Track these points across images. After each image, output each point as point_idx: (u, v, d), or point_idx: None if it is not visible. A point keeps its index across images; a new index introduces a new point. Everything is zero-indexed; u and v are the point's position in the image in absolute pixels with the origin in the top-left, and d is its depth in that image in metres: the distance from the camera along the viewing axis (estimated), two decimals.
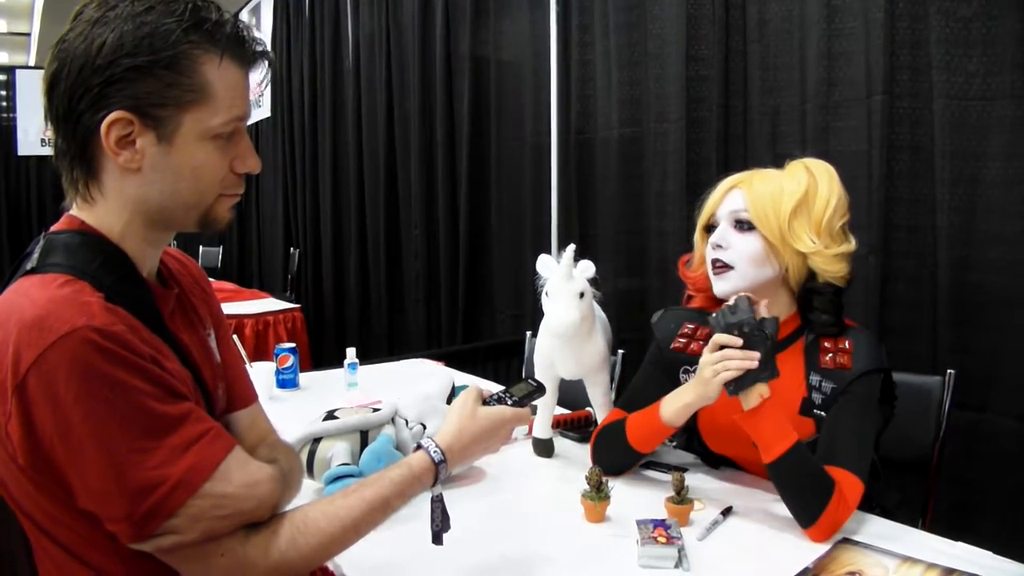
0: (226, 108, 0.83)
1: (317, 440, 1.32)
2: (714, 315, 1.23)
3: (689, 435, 1.51)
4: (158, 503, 0.75)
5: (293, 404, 1.99)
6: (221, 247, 6.71)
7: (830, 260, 1.27)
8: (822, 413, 1.26)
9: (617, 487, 1.28)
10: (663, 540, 1.09)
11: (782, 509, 1.20)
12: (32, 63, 10.15)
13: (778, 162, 1.36)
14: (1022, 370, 1.65)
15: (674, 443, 1.55)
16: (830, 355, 1.28)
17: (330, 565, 1.07)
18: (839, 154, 1.90)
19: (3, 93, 7.56)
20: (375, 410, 1.41)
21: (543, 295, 1.38)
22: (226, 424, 0.97)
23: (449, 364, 2.42)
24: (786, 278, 1.31)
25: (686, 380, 1.40)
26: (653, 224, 2.50)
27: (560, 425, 1.67)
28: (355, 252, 4.49)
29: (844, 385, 1.25)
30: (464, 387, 1.73)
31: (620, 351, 2.03)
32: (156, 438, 0.76)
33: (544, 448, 1.56)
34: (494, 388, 1.12)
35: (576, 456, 1.55)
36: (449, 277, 3.64)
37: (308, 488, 1.16)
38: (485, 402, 1.05)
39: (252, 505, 0.82)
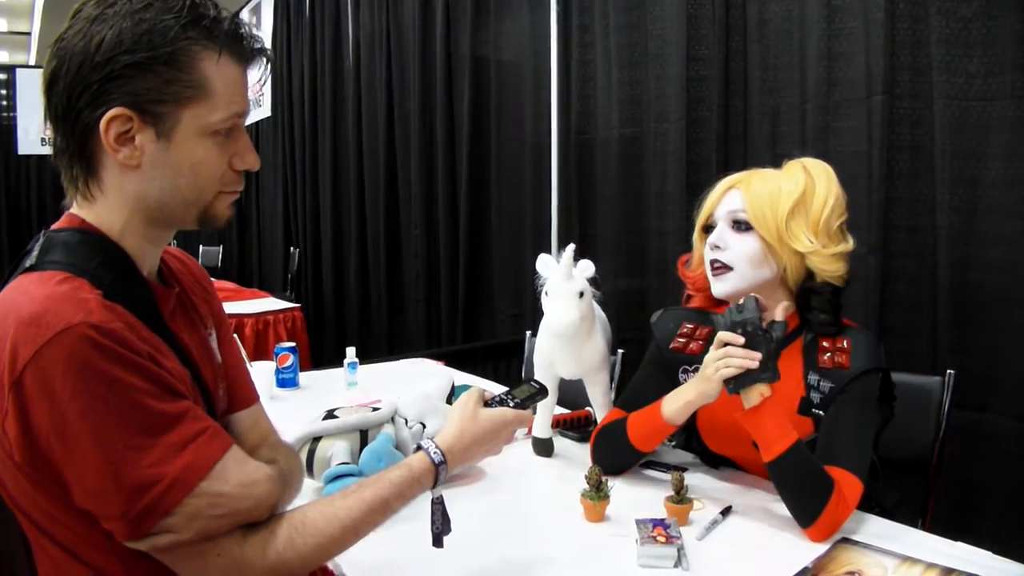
0: (225, 104, 0.83)
1: (317, 439, 1.32)
2: (724, 312, 1.24)
3: (688, 435, 1.51)
4: (154, 501, 0.75)
5: (293, 403, 1.99)
6: (221, 246, 6.71)
7: (828, 259, 1.27)
8: (820, 412, 1.26)
9: (616, 486, 1.28)
10: (662, 539, 1.09)
11: (781, 509, 1.20)
12: (32, 62, 10.15)
13: (778, 162, 1.36)
14: (1022, 370, 1.65)
15: (673, 443, 1.55)
16: (828, 354, 1.28)
17: (330, 565, 1.06)
18: (839, 154, 1.90)
19: (3, 92, 7.57)
20: (375, 409, 1.41)
21: (543, 295, 1.37)
22: (227, 425, 0.96)
23: (449, 364, 2.42)
24: (784, 278, 1.31)
25: (685, 380, 1.40)
26: (653, 224, 2.50)
27: (560, 425, 1.67)
28: (355, 252, 4.49)
29: (842, 384, 1.25)
30: (464, 387, 1.74)
31: (620, 351, 2.03)
32: (153, 436, 0.75)
33: (544, 448, 1.56)
34: (495, 388, 1.12)
35: (576, 456, 1.55)
36: (449, 277, 3.64)
37: (308, 487, 1.16)
38: (487, 404, 1.04)
39: (249, 504, 0.82)
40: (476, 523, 1.19)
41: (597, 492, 1.23)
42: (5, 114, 7.61)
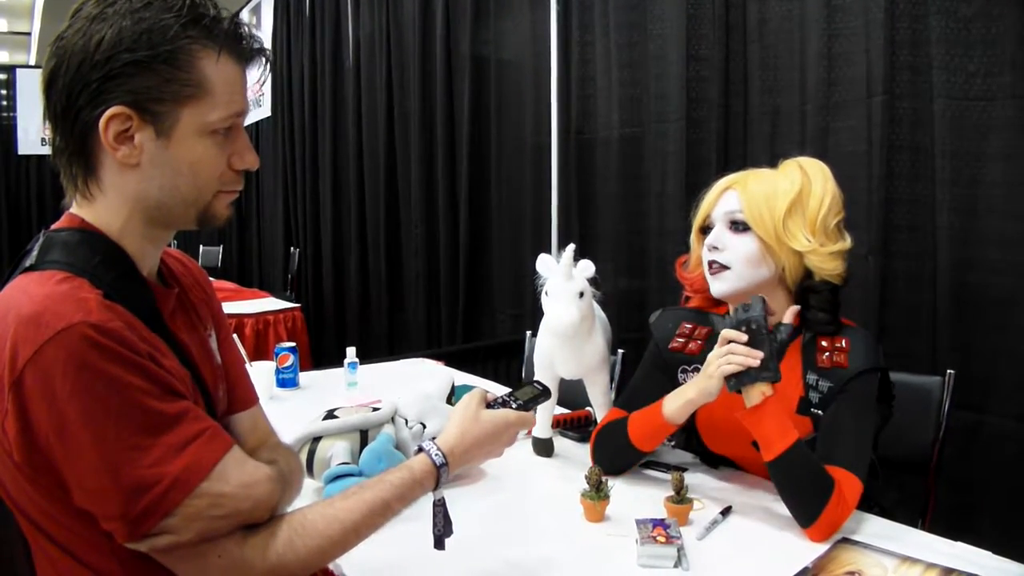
0: (224, 103, 0.83)
1: (317, 439, 1.32)
2: (730, 311, 1.24)
3: (688, 434, 1.51)
4: (154, 502, 0.74)
5: (293, 403, 1.99)
6: (221, 246, 6.71)
7: (826, 258, 1.27)
8: (819, 412, 1.26)
9: (616, 486, 1.28)
10: (662, 539, 1.08)
11: (781, 509, 1.20)
12: (32, 62, 10.16)
13: (777, 162, 1.36)
14: (1022, 370, 1.64)
15: (672, 443, 1.55)
16: (827, 354, 1.28)
17: (331, 566, 1.06)
18: (839, 154, 1.90)
19: (3, 92, 7.58)
20: (375, 409, 1.41)
21: (543, 295, 1.37)
22: (227, 426, 0.96)
23: (449, 364, 2.42)
24: (783, 278, 1.31)
25: (684, 379, 1.40)
26: (653, 224, 2.50)
27: (560, 425, 1.67)
28: (355, 252, 4.49)
29: (841, 384, 1.25)
30: (465, 387, 1.74)
31: (620, 351, 2.03)
32: (152, 436, 0.75)
33: (544, 447, 1.56)
34: (495, 388, 1.12)
35: (576, 455, 1.55)
36: (449, 277, 3.64)
37: (308, 487, 1.16)
38: (489, 405, 1.03)
39: (249, 505, 0.81)
40: (476, 523, 1.19)
41: (597, 492, 1.23)
42: (5, 114, 7.62)
